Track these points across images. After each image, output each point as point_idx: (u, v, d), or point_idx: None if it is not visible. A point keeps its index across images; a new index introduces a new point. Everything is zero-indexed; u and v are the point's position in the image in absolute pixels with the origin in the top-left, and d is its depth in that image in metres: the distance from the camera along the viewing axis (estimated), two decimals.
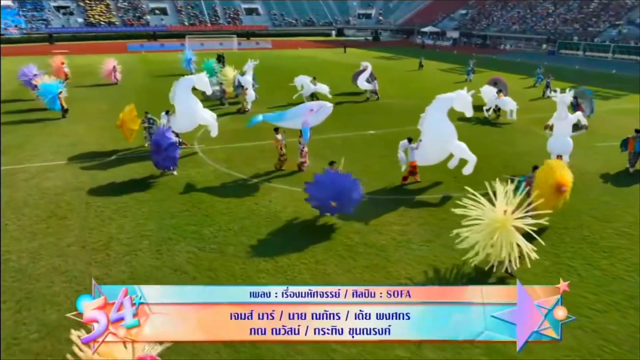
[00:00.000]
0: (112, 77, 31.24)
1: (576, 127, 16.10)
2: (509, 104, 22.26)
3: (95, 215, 11.86)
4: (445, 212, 11.79)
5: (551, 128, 15.81)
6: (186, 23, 80.00)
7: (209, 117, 16.94)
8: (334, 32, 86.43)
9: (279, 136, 14.78)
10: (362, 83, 27.20)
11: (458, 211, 9.03)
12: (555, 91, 15.76)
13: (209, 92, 17.49)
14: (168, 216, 11.77)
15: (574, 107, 20.13)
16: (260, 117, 15.49)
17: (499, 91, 23.06)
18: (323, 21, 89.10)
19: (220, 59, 38.58)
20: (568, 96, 15.17)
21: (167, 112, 16.74)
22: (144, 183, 14.06)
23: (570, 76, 37.08)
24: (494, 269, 8.92)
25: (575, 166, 13.84)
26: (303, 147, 14.98)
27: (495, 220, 8.72)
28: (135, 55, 51.17)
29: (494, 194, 8.92)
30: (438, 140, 13.59)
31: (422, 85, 33.21)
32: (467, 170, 13.60)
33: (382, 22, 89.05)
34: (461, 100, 13.41)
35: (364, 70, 27.53)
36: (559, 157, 14.70)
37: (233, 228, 11.19)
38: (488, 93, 22.87)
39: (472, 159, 13.59)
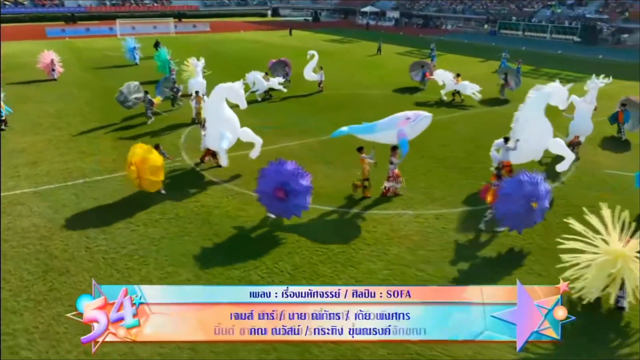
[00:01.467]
0: (50, 73, 26.96)
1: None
2: (468, 88, 22.76)
3: (105, 264, 9.50)
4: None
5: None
6: (107, 4, 72.83)
7: (252, 134, 14.13)
8: (269, 12, 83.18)
9: (366, 155, 12.14)
10: (309, 74, 24.98)
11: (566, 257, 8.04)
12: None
13: (243, 106, 13.84)
14: (201, 261, 9.69)
15: (505, 82, 23.98)
16: (345, 129, 12.79)
17: (457, 75, 23.41)
18: (257, 0, 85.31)
19: (157, 45, 34.97)
20: (600, 83, 16.19)
21: (202, 125, 14.45)
22: (144, 211, 11.68)
23: (524, 59, 37.80)
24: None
25: None
26: (395, 168, 12.44)
27: (611, 252, 7.80)
28: (59, 43, 45.18)
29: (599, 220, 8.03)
30: (537, 138, 12.78)
31: (388, 72, 32.26)
32: (562, 167, 12.96)
33: (318, 2, 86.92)
34: (557, 94, 12.83)
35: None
36: (577, 137, 15.37)
37: (285, 269, 9.46)
38: (446, 77, 23.40)
39: (569, 156, 12.90)
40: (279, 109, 21.98)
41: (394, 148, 12.28)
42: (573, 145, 14.89)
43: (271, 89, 23.46)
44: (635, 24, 48.17)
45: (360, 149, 12.24)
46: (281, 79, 24.06)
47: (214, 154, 14.45)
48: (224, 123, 13.59)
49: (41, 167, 14.39)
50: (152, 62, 33.71)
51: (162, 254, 9.86)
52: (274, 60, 26.38)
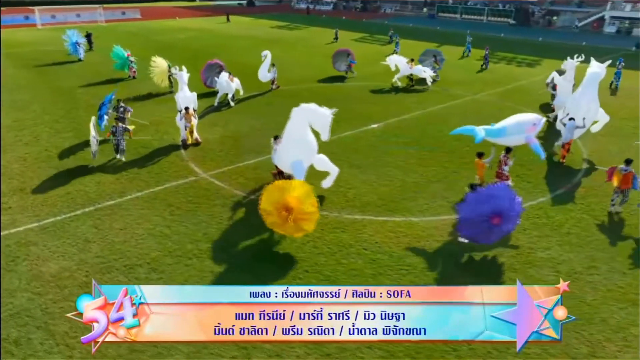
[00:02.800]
0: None
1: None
2: (422, 72, 23.37)
3: None
4: None
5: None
6: None
7: (328, 162, 12.26)
8: None
9: (486, 160, 11.76)
10: (264, 75, 22.50)
11: None
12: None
13: (325, 137, 11.83)
14: None
15: (437, 63, 25.52)
16: (481, 133, 12.07)
17: (411, 60, 23.85)
18: None
19: (89, 37, 31.62)
20: (576, 62, 17.83)
21: (275, 138, 12.49)
22: (188, 241, 10.42)
23: (477, 42, 39.02)
24: None
25: None
26: (508, 170, 12.08)
27: None
28: None
29: None
30: (592, 115, 14.81)
31: (359, 59, 31.69)
32: (598, 127, 15.73)
33: None
34: (603, 70, 15.24)
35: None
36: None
37: None
38: (400, 62, 23.75)
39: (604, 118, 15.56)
40: (268, 109, 20.75)
41: (509, 150, 11.98)
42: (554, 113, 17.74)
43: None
44: (563, 6, 51.61)
45: (480, 155, 11.79)
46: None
47: (282, 172, 12.60)
48: (302, 148, 11.78)
49: (34, 195, 12.31)
50: (98, 57, 30.65)
51: None
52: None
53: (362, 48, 36.57)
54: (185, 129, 15.44)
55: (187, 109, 15.26)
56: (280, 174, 12.52)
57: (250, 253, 10.02)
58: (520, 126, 12.38)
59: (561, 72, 19.23)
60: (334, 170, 12.10)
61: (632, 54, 34.13)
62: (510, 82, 25.33)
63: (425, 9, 60.92)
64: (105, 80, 24.76)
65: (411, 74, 23.84)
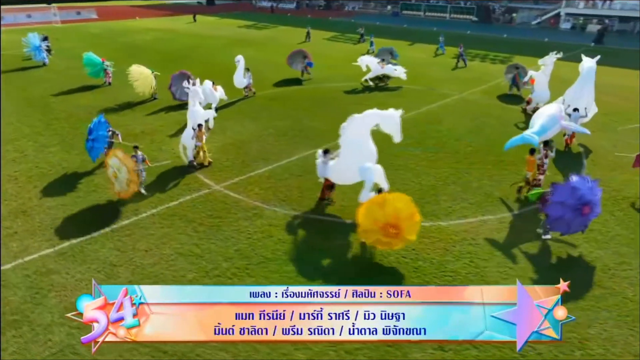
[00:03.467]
0: None
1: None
2: (394, 71, 23.81)
3: None
4: None
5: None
6: None
7: (383, 175, 11.65)
8: None
9: (537, 157, 12.14)
10: (240, 81, 21.50)
11: None
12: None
13: (398, 139, 11.49)
14: None
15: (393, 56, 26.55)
16: (535, 138, 12.53)
17: (382, 60, 24.33)
18: None
19: (46, 40, 29.58)
20: (554, 57, 19.33)
21: (325, 152, 11.79)
22: (224, 260, 9.99)
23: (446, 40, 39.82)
24: None
25: None
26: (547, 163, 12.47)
27: None
28: None
29: None
30: (591, 106, 16.73)
31: (336, 60, 31.61)
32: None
33: None
34: (595, 65, 16.91)
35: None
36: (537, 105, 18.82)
37: None
38: (371, 62, 24.03)
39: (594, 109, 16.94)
40: (263, 112, 20.30)
41: (546, 143, 12.33)
42: (531, 105, 19.41)
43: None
44: (520, 4, 53.63)
45: (532, 152, 12.19)
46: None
47: (331, 186, 12.06)
48: (367, 155, 11.34)
49: (40, 218, 11.44)
50: (63, 61, 28.96)
51: None
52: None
53: (335, 48, 36.57)
54: (195, 148, 14.14)
55: (200, 126, 13.98)
56: (332, 186, 12.11)
57: (291, 268, 9.73)
58: (554, 118, 13.41)
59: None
60: (385, 186, 11.49)
61: (591, 50, 35.91)
62: (490, 79, 26.01)
63: (389, 7, 61.63)
64: (80, 87, 23.45)
65: (383, 74, 24.11)
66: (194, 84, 15.39)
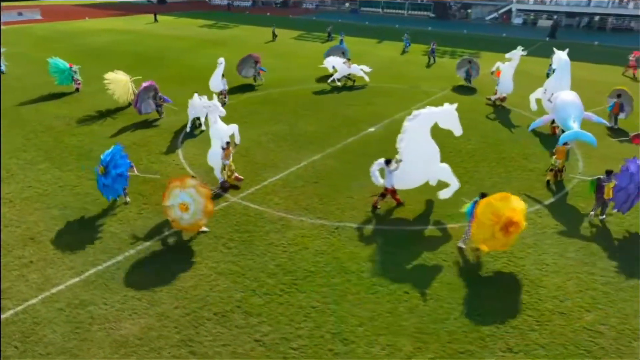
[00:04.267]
0: None
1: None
2: (359, 71, 24.03)
3: None
4: None
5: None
6: None
7: (450, 172, 12.03)
8: None
9: (568, 147, 13.59)
10: (217, 84, 20.41)
11: None
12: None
13: (459, 132, 12.25)
14: None
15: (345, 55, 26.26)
16: (591, 136, 13.58)
17: (348, 59, 24.63)
18: None
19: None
20: (521, 53, 20.71)
21: (387, 162, 11.66)
22: (263, 269, 9.68)
23: (399, 37, 40.40)
24: None
25: None
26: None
27: None
28: None
29: None
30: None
31: (307, 59, 31.30)
32: None
33: None
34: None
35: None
36: (502, 95, 21.00)
37: None
38: (337, 63, 24.04)
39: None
40: (254, 117, 19.81)
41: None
42: (501, 100, 21.08)
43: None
44: (475, 1, 55.51)
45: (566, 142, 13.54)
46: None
47: (388, 194, 12.10)
48: (433, 155, 11.68)
49: (53, 244, 10.57)
50: (20, 69, 26.90)
51: None
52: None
53: (304, 47, 36.27)
54: (224, 168, 13.13)
55: (227, 143, 13.02)
56: (393, 193, 12.13)
57: (339, 280, 9.57)
58: (581, 109, 15.25)
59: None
60: (455, 183, 12.00)
61: (547, 44, 37.77)
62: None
63: (347, 4, 61.96)
64: (48, 95, 22.00)
65: (349, 74, 24.19)
66: (155, 97, 15.30)
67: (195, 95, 17.40)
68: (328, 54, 26.29)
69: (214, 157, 13.11)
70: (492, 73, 22.58)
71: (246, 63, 23.94)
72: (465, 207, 10.40)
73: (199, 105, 16.81)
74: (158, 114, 19.00)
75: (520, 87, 21.31)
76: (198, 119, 17.61)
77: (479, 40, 40.09)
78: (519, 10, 51.85)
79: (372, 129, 18.28)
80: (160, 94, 18.79)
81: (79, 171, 14.19)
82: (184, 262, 10.01)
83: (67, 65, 22.44)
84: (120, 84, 19.82)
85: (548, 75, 25.85)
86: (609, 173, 11.41)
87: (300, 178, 14.01)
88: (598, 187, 11.49)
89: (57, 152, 15.70)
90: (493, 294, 9.20)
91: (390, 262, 10.14)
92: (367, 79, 24.24)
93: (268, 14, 57.98)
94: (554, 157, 13.56)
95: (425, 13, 55.49)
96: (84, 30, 41.87)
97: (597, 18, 47.67)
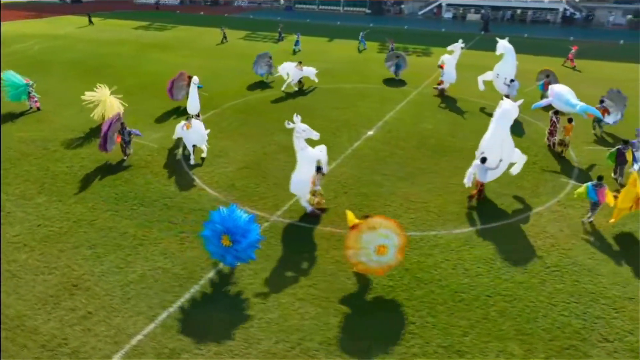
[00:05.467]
0: None
1: None
2: (312, 73, 23.84)
3: None
4: None
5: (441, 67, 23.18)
6: None
7: (520, 153, 13.81)
8: None
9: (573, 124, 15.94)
10: (196, 105, 18.62)
11: None
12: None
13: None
14: None
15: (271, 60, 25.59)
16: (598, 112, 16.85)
17: (299, 63, 23.81)
18: None
19: None
20: (461, 45, 22.80)
21: (483, 160, 12.65)
22: (349, 291, 9.53)
23: (340, 35, 40.86)
24: None
25: None
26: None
27: None
28: None
29: None
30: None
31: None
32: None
33: None
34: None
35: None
36: (442, 82, 23.25)
37: None
38: (290, 68, 23.20)
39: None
40: (244, 129, 19.13)
41: (557, 112, 16.61)
42: (441, 90, 23.17)
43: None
44: None
45: (570, 120, 15.77)
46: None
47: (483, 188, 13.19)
48: (512, 148, 13.32)
49: (100, 289, 9.56)
50: None
51: None
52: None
53: (257, 48, 34.78)
54: (315, 195, 12.36)
55: (318, 169, 12.05)
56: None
57: (421, 291, 9.69)
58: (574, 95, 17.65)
59: None
60: (523, 158, 13.80)
61: (484, 38, 40.36)
62: (429, 72, 27.54)
63: (282, 1, 61.43)
64: (5, 115, 19.62)
65: (301, 77, 23.71)
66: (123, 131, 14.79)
67: (180, 125, 15.69)
68: (256, 62, 25.10)
69: (301, 184, 12.03)
70: (438, 66, 23.58)
71: (178, 84, 20.72)
72: (582, 191, 11.83)
73: (181, 129, 15.32)
74: (123, 153, 15.53)
75: (460, 78, 23.51)
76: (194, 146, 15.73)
77: (422, 35, 41.78)
78: (448, 4, 54.68)
79: (370, 133, 18.49)
80: (127, 128, 15.57)
81: (87, 202, 12.94)
82: (256, 292, 9.58)
83: (24, 80, 20.17)
84: (101, 100, 18.18)
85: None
86: (625, 142, 13.74)
87: (326, 188, 13.83)
88: (618, 155, 13.62)
89: (47, 182, 14.12)
90: (562, 288, 9.85)
91: (460, 267, 10.47)
92: (316, 80, 24.14)
93: (202, 13, 55.93)
94: (563, 134, 16.03)
95: (361, 9, 56.64)
96: (7, 36, 37.55)
97: (519, 11, 51.70)
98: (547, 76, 22.53)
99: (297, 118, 11.98)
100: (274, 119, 19.70)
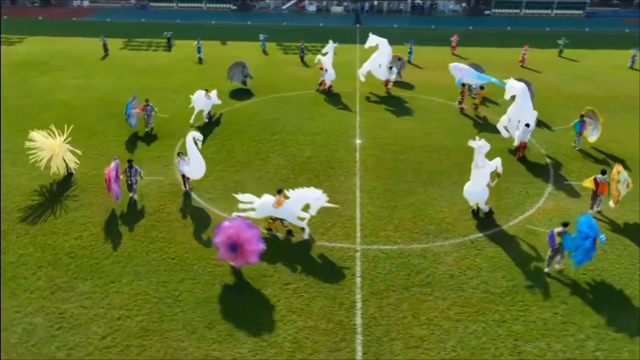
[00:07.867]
0: None
1: None
2: (217, 100, 21.38)
3: None
4: None
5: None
6: None
7: None
8: None
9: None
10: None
11: None
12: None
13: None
14: None
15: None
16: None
17: (206, 90, 20.72)
18: None
19: None
20: (334, 45, 24.95)
21: (527, 125, 14.77)
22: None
23: (202, 34, 39.65)
24: None
25: None
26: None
27: None
28: None
29: None
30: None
31: (187, 74, 28.32)
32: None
33: None
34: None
35: None
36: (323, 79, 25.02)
37: None
38: (199, 98, 20.40)
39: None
40: (227, 155, 17.84)
41: (464, 85, 22.51)
42: (326, 87, 24.79)
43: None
44: None
45: (482, 87, 21.72)
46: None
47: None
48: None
49: (141, 314, 8.69)
50: None
51: None
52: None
53: (153, 60, 31.75)
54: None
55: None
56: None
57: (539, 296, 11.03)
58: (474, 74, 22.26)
59: None
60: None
61: (360, 30, 42.94)
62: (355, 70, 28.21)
63: (133, 0, 55.69)
64: None
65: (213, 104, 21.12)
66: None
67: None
68: (231, 71, 25.02)
69: (480, 193, 13.49)
70: (319, 67, 25.08)
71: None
72: (589, 183, 13.80)
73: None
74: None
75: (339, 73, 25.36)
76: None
77: (307, 32, 42.48)
78: None
79: (359, 141, 18.97)
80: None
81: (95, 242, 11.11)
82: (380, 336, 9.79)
83: None
84: (51, 147, 15.09)
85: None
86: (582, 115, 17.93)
87: (380, 207, 14.20)
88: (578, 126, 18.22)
89: (62, 261, 11.55)
90: (606, 291, 11.57)
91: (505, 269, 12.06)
92: (219, 102, 21.58)
93: (40, 17, 47.49)
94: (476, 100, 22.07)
95: (226, 6, 54.80)
96: None
97: (376, 3, 56.17)
98: (399, 59, 26.94)
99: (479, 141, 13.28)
100: (260, 139, 19.01)
